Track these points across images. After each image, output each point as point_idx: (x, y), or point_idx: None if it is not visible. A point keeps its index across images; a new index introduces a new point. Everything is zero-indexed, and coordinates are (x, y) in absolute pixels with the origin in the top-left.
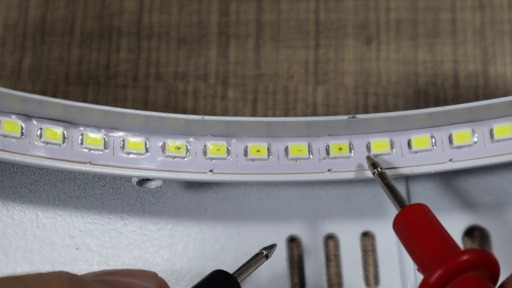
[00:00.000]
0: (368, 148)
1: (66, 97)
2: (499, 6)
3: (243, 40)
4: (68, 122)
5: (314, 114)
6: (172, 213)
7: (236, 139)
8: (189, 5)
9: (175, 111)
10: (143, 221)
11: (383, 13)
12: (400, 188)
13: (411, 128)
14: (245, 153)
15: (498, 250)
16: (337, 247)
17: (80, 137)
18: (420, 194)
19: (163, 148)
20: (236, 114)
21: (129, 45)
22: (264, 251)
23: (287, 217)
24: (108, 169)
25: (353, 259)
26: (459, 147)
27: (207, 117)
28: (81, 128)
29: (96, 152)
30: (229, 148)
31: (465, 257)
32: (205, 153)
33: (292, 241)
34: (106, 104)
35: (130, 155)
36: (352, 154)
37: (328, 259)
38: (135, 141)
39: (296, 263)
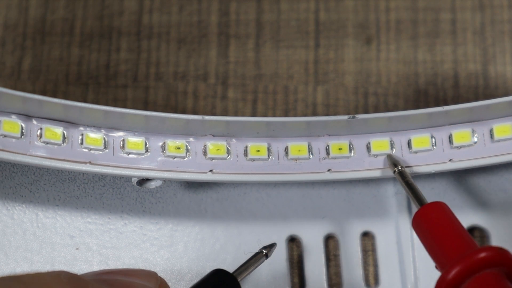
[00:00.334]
0: (368, 148)
1: (66, 97)
2: (499, 6)
3: (243, 40)
4: (68, 122)
5: (314, 114)
6: (172, 213)
7: (236, 139)
8: (189, 5)
9: (175, 111)
10: (143, 221)
11: (383, 13)
12: (400, 188)
13: (411, 128)
14: (245, 153)
15: None
16: (337, 247)
17: (80, 137)
18: None
19: (163, 148)
20: (236, 114)
21: (129, 45)
22: (264, 250)
23: (287, 217)
24: (108, 169)
25: (353, 259)
26: (459, 147)
27: (207, 117)
28: (81, 128)
29: (96, 152)
30: (229, 148)
31: (482, 255)
32: (205, 153)
33: (292, 241)
34: (106, 104)
35: (130, 155)
36: (352, 154)
37: (328, 259)
38: (135, 141)
39: (296, 263)
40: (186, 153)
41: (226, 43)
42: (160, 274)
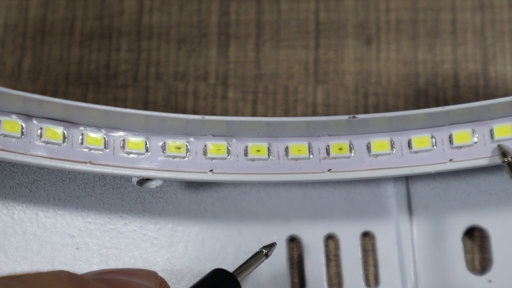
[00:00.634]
0: (368, 148)
1: (66, 97)
2: (499, 6)
3: (243, 40)
4: (68, 122)
5: (314, 114)
6: (172, 213)
7: (236, 139)
8: (189, 5)
9: (175, 111)
10: (143, 221)
11: (383, 13)
12: (400, 188)
13: (411, 128)
14: (245, 153)
15: (498, 250)
16: (337, 247)
17: (80, 137)
18: (420, 194)
19: (163, 148)
20: (236, 114)
21: (129, 45)
22: (264, 250)
23: (287, 217)
24: (108, 169)
25: (353, 259)
26: (459, 147)
27: (207, 117)
28: (81, 128)
29: (96, 152)
30: (229, 148)
31: None
32: (205, 153)
33: (292, 241)
34: (106, 104)
35: (130, 155)
36: (352, 154)
37: (328, 259)
38: (135, 141)
39: (296, 263)
40: (186, 153)
41: (226, 43)
42: (160, 274)
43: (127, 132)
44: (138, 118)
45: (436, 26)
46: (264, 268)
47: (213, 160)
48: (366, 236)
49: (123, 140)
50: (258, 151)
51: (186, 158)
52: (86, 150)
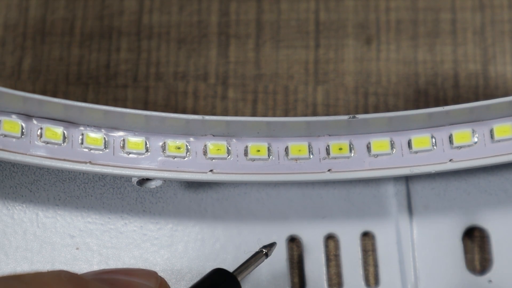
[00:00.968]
0: (368, 148)
1: (66, 97)
2: (499, 6)
3: (243, 40)
4: (68, 122)
5: (314, 114)
6: (172, 213)
7: (236, 139)
8: (189, 5)
9: (175, 111)
10: (143, 221)
11: (383, 13)
12: (400, 188)
13: (411, 128)
14: (245, 153)
15: (498, 250)
16: (337, 247)
17: (80, 137)
18: (420, 194)
19: (163, 148)
20: (236, 114)
21: (129, 45)
22: (264, 250)
23: (287, 217)
24: (108, 169)
25: (353, 259)
26: (459, 147)
27: (207, 117)
28: (81, 128)
29: (96, 152)
30: (229, 148)
31: None
32: (205, 153)
33: (292, 241)
34: (106, 104)
35: (130, 155)
36: (352, 154)
37: (328, 259)
38: (135, 141)
39: (296, 263)
40: (186, 153)
41: (226, 43)
42: (160, 274)
43: (127, 132)
44: (138, 118)
45: (436, 26)
46: (264, 268)
47: (213, 160)
48: (366, 236)
49: (123, 140)
50: (258, 151)
51: (186, 158)
52: (86, 150)
